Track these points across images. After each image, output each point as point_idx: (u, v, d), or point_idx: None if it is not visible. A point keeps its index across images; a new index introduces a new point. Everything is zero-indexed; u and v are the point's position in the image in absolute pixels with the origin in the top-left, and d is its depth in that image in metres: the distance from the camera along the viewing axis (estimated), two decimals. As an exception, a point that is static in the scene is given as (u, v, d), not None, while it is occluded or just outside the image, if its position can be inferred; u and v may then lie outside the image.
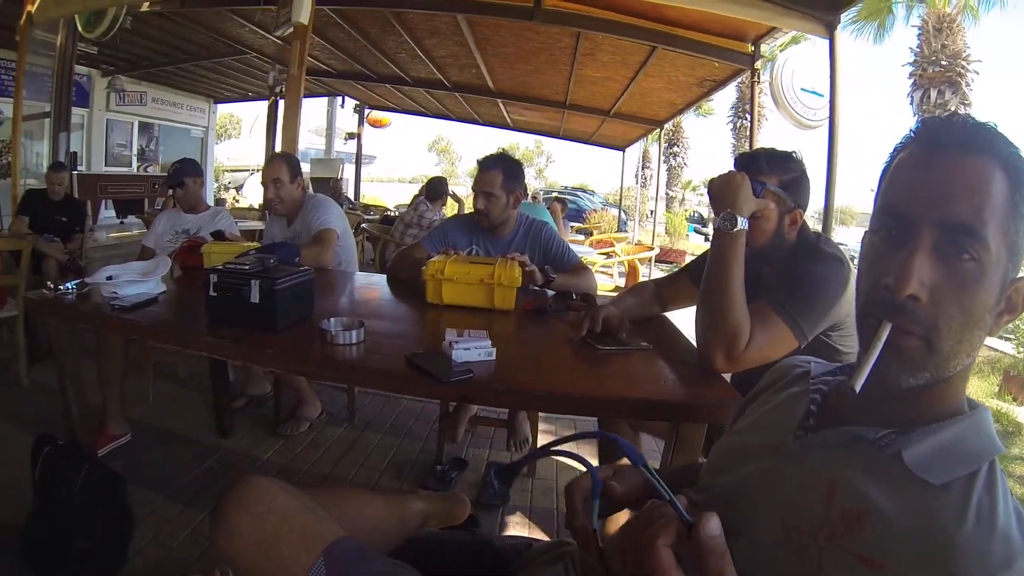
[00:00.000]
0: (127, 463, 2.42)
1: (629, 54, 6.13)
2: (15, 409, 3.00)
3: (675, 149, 21.37)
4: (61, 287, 1.94)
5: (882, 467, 0.64)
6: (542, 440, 2.64)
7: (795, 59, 7.29)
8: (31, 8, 5.34)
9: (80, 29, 6.12)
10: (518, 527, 2.17)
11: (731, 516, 0.64)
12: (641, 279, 4.41)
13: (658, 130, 10.14)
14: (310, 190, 3.01)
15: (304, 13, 3.84)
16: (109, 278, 1.88)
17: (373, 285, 2.51)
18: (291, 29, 3.95)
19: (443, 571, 1.10)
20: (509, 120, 12.16)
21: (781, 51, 8.76)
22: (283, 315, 1.53)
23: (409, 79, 9.28)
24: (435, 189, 5.68)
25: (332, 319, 1.49)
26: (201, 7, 6.14)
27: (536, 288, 2.20)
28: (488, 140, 78.78)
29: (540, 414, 2.61)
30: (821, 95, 6.86)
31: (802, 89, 7.15)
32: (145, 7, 6.10)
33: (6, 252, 3.49)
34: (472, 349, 1.36)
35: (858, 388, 0.65)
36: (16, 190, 5.63)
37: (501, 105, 10.37)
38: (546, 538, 2.08)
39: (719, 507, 0.57)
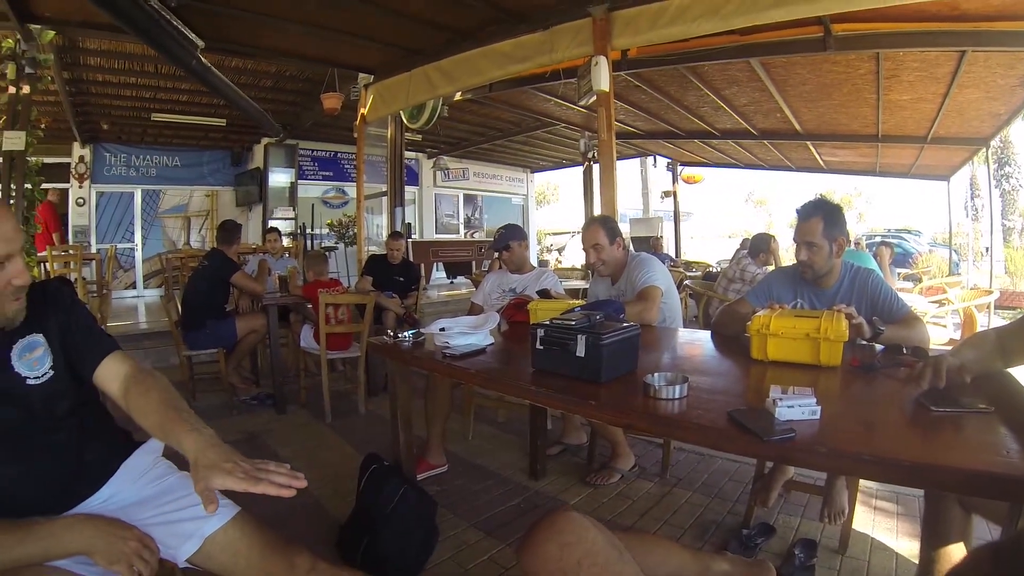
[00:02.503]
0: (441, 490, 2.73)
1: (936, 66, 5.44)
2: (351, 431, 3.69)
3: (1007, 169, 17.63)
4: (399, 335, 2.26)
5: None
6: (859, 513, 2.32)
7: None
8: (364, 111, 6.57)
9: (405, 122, 7.40)
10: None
11: None
12: (979, 329, 3.67)
13: (984, 149, 8.71)
14: (631, 249, 3.06)
15: (604, 81, 4.03)
16: (442, 329, 2.10)
17: (697, 341, 2.48)
18: (594, 98, 4.16)
19: None
20: (822, 162, 11.49)
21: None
22: (608, 369, 1.56)
23: (716, 131, 9.30)
24: (757, 245, 5.54)
25: (656, 374, 1.48)
26: (507, 89, 6.90)
27: (864, 342, 2.01)
28: (804, 187, 72.89)
29: (860, 484, 2.31)
30: None
31: None
32: (458, 97, 7.14)
33: (353, 305, 4.15)
34: (796, 407, 1.26)
35: None
36: (361, 254, 6.91)
37: (811, 147, 9.92)
38: None
39: None
